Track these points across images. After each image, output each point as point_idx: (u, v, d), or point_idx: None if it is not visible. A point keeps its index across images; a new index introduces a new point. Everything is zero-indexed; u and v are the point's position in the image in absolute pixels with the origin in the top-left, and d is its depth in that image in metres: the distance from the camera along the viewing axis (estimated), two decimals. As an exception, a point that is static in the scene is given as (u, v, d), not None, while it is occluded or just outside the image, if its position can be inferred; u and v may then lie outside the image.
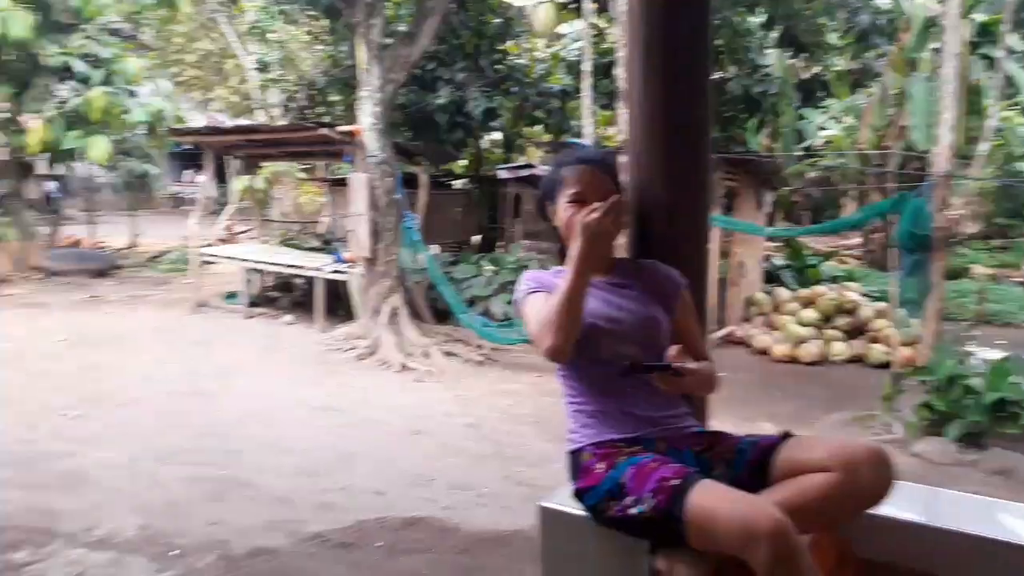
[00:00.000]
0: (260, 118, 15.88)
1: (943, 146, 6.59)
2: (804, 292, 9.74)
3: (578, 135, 12.48)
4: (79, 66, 11.43)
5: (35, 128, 11.16)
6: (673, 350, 1.86)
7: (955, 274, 11.76)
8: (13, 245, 11.67)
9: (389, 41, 8.85)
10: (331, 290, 9.39)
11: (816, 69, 14.92)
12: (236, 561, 3.83)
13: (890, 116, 12.06)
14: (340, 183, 12.66)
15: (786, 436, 1.86)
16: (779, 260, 11.99)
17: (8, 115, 11.44)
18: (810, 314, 9.20)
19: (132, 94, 12.48)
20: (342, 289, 9.31)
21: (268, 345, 8.44)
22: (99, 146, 11.30)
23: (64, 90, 11.82)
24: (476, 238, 13.64)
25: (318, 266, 9.33)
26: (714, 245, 8.69)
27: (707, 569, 1.73)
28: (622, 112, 8.49)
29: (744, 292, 10.00)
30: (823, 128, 14.01)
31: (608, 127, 14.66)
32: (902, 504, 1.83)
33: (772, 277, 10.91)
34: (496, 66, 12.81)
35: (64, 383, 6.62)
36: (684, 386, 1.88)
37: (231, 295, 10.50)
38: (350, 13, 8.62)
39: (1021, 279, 13.34)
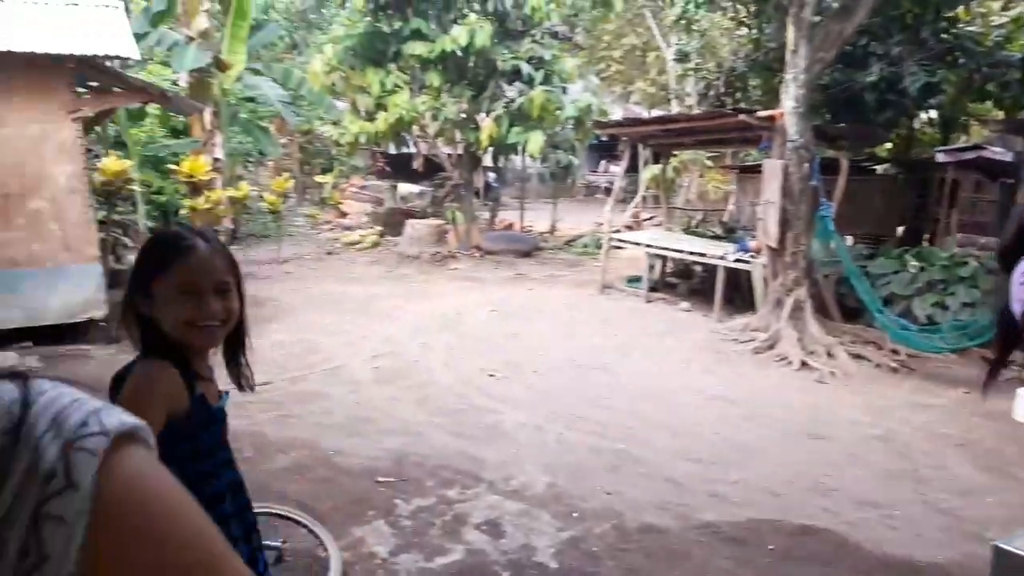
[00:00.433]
0: (675, 108, 16.20)
1: None
2: None
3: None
4: (525, 68, 12.88)
5: (486, 126, 12.91)
6: None
7: None
8: (460, 227, 13.72)
9: (818, 19, 8.26)
10: (731, 279, 9.20)
11: None
12: (628, 534, 3.96)
13: None
14: (749, 170, 12.30)
15: None
16: None
17: (466, 115, 13.41)
18: None
19: (565, 91, 13.69)
20: (743, 279, 9.05)
21: (664, 329, 8.60)
22: (536, 140, 12.64)
23: (511, 91, 13.42)
24: (899, 229, 12.16)
25: (721, 254, 9.20)
26: None
27: None
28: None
29: None
30: None
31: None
32: None
33: None
34: (941, 36, 11.17)
35: (492, 348, 7.55)
36: None
37: (634, 279, 10.94)
38: (781, -8, 8.24)
39: None
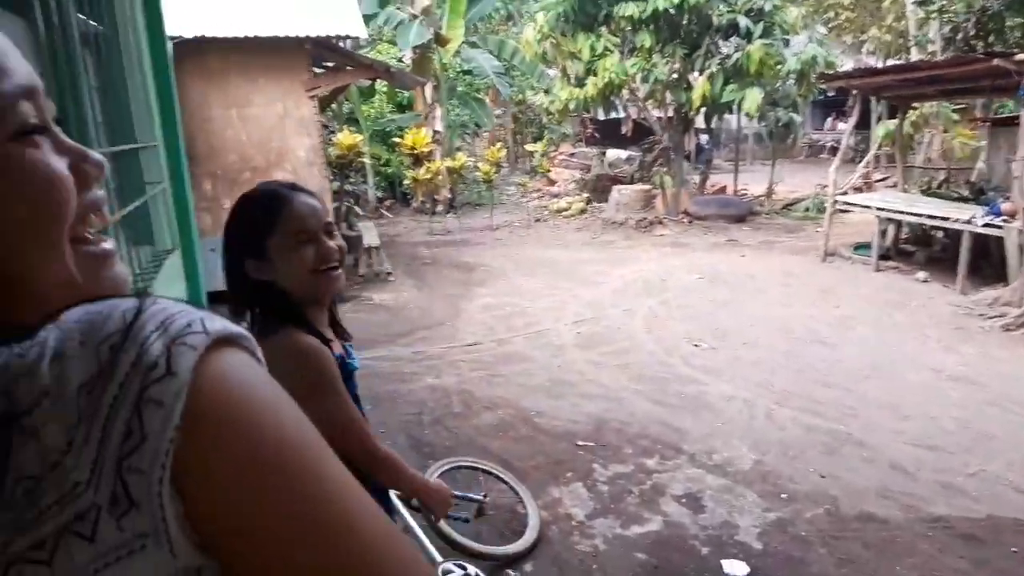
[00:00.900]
0: (915, 56, 14.52)
1: None
2: None
3: None
4: (743, 22, 12.15)
5: (699, 85, 12.40)
6: None
7: None
8: (668, 192, 13.35)
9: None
10: (979, 247, 8.11)
11: None
12: (844, 521, 3.67)
13: None
14: (1003, 123, 10.75)
15: None
16: None
17: (678, 75, 12.95)
18: None
19: (787, 44, 12.75)
20: (993, 246, 7.96)
21: (896, 301, 7.80)
22: (753, 98, 11.91)
23: (727, 47, 12.75)
24: None
25: (967, 218, 8.13)
26: None
27: None
28: None
29: None
30: None
31: None
32: None
33: None
34: None
35: (698, 316, 7.30)
36: None
37: (861, 246, 10.02)
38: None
39: None
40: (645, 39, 12.38)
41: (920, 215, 9.01)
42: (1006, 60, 7.45)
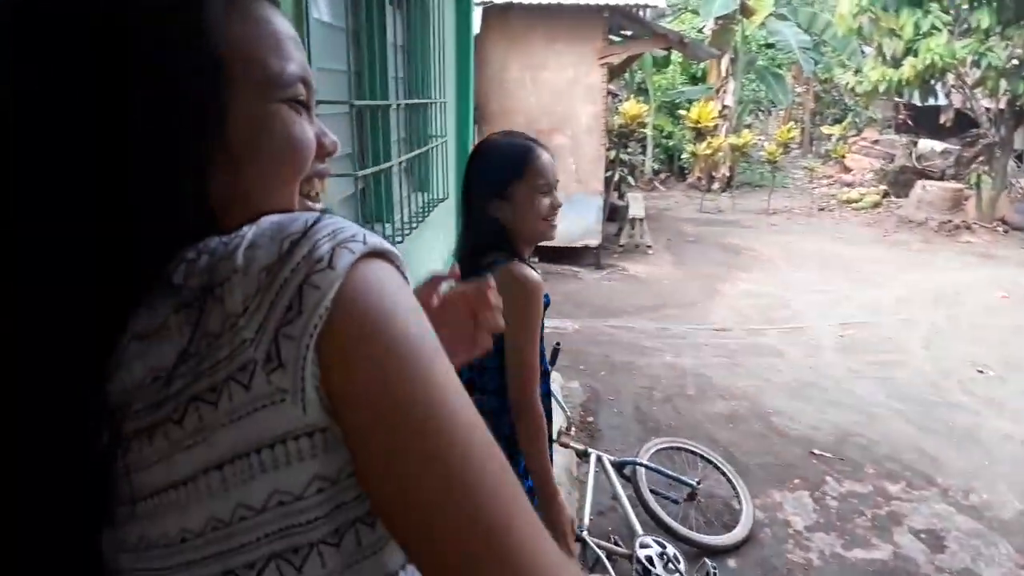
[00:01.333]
0: None
1: None
2: None
3: None
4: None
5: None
6: None
7: None
8: (985, 193, 11.66)
9: None
10: None
11: None
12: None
13: None
14: None
15: None
16: None
17: (1018, 61, 11.18)
18: None
19: None
20: None
21: None
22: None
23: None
24: None
25: None
26: None
27: None
28: None
29: None
30: None
31: None
32: None
33: None
34: None
35: (990, 339, 6.39)
36: None
37: None
38: None
39: None
40: (983, 18, 10.79)
41: None
42: None
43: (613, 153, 10.31)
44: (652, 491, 3.40)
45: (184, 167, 0.55)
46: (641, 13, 8.62)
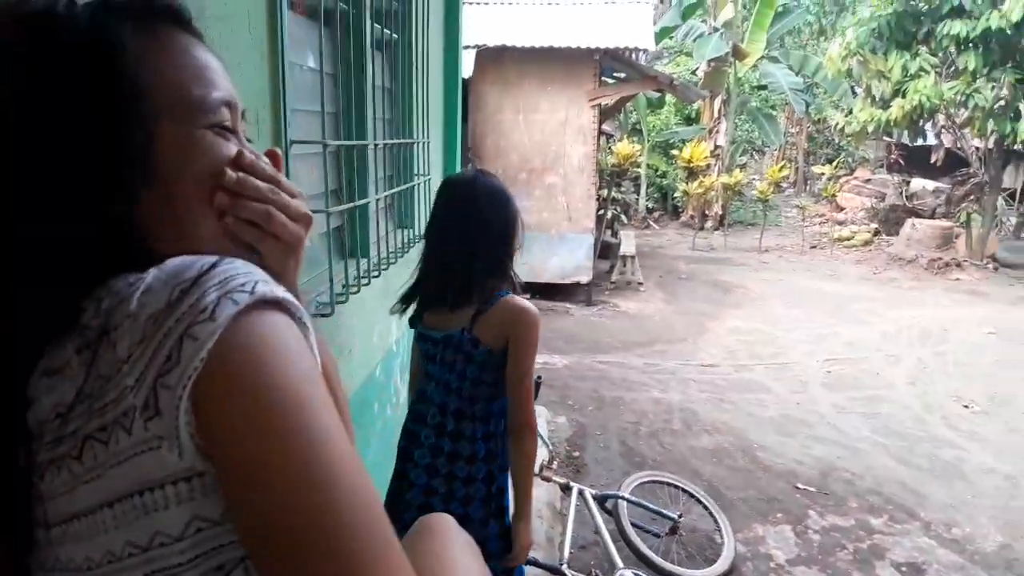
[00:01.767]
0: None
1: None
2: None
3: None
4: None
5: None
6: None
7: None
8: (974, 231, 11.78)
9: None
10: None
11: None
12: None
13: None
14: None
15: None
16: None
17: (1004, 103, 11.38)
18: None
19: None
20: None
21: None
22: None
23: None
24: None
25: None
26: None
27: None
28: None
29: None
30: None
31: None
32: None
33: None
34: None
35: (976, 375, 6.43)
36: None
37: None
38: None
39: None
40: (970, 60, 11.04)
41: None
42: None
43: (606, 192, 10.46)
44: (634, 525, 3.41)
45: (106, 196, 0.57)
46: (633, 56, 8.83)
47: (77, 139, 0.56)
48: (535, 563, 2.57)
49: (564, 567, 2.77)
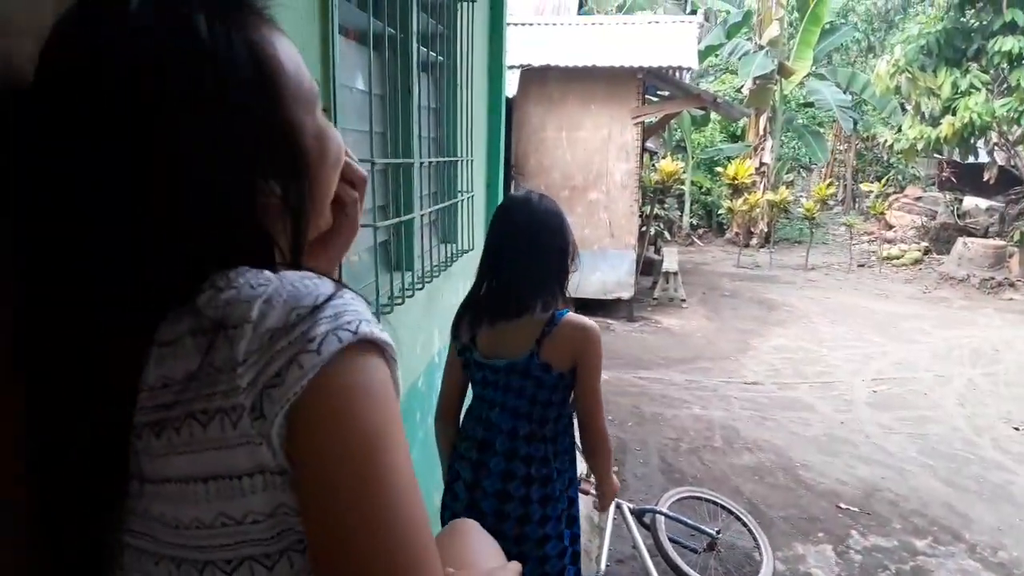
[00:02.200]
0: None
1: None
2: None
3: None
4: None
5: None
6: None
7: None
8: (1031, 250, 11.48)
9: None
10: None
11: None
12: None
13: None
14: None
15: None
16: None
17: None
18: None
19: None
20: None
21: None
22: None
23: None
24: None
25: None
26: None
27: None
28: None
29: None
30: None
31: None
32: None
33: None
34: None
35: (1032, 398, 6.28)
36: None
37: None
38: None
39: None
40: (1023, 77, 10.81)
41: None
42: None
43: (649, 208, 10.47)
44: (671, 540, 3.41)
45: (238, 186, 0.61)
46: (676, 75, 8.87)
47: (245, 126, 0.60)
48: (571, 576, 2.61)
49: (601, 580, 2.80)
